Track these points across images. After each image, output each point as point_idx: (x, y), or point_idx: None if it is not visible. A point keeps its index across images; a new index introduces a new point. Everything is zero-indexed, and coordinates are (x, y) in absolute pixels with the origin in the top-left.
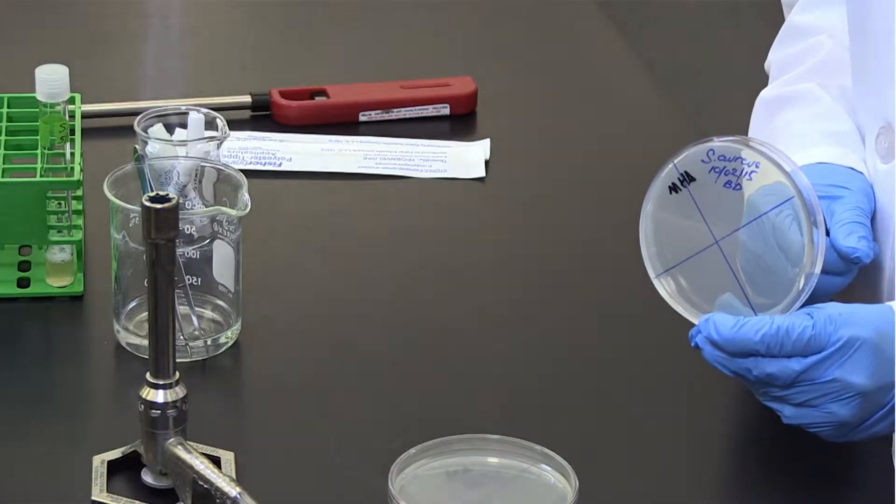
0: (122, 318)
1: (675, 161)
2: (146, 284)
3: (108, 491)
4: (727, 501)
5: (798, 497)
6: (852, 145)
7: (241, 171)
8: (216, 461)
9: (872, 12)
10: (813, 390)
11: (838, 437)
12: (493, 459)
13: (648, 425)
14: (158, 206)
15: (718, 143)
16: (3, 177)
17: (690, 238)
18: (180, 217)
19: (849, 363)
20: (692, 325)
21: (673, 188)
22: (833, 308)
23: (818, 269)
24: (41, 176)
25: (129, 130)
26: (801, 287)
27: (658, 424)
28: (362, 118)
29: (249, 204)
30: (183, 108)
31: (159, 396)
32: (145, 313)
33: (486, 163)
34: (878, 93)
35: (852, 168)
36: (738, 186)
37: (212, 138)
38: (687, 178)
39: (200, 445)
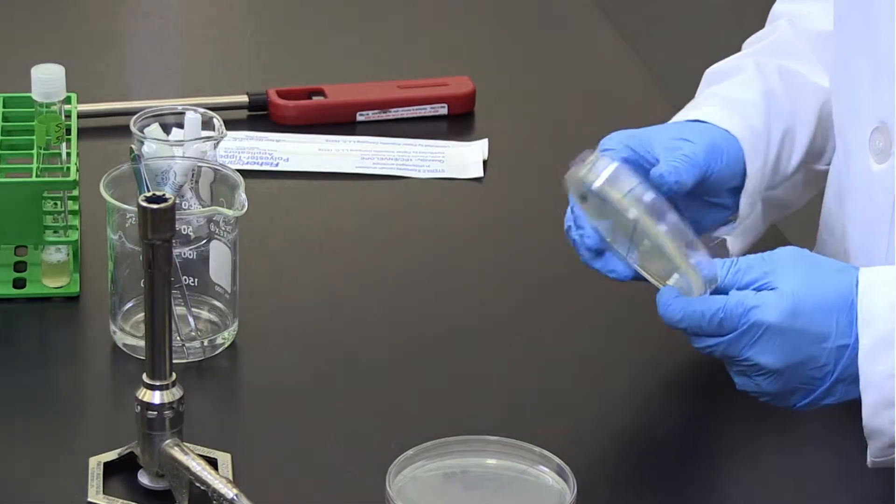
0: (119, 319)
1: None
2: (143, 285)
3: (104, 493)
4: (726, 502)
5: (800, 485)
6: (743, 112)
7: (238, 171)
8: (213, 462)
9: (870, 12)
10: (738, 365)
11: (787, 405)
12: (491, 461)
13: (647, 427)
14: (155, 206)
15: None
16: None
17: (624, 226)
18: (177, 217)
19: (758, 345)
20: None
21: (582, 199)
22: (758, 283)
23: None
24: (37, 176)
25: (125, 130)
26: (679, 274)
27: (656, 426)
28: (360, 118)
29: (246, 204)
30: (179, 107)
31: (156, 397)
32: (142, 314)
33: (484, 163)
34: (873, 91)
35: (727, 130)
36: None
37: (208, 138)
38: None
39: (197, 447)
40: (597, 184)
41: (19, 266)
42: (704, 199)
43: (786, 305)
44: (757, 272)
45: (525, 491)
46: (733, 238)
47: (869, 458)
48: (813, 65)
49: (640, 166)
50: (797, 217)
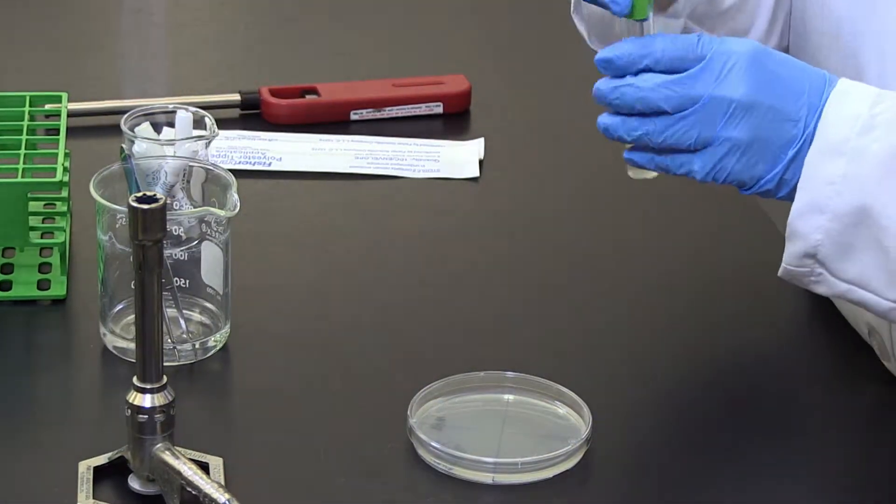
0: (109, 321)
1: None
2: (133, 287)
3: (94, 497)
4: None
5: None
6: None
7: (230, 170)
8: (204, 467)
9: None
10: (697, 119)
11: (756, 178)
12: (509, 396)
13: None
14: (146, 206)
15: None
16: None
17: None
18: (168, 218)
19: (727, 78)
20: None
21: None
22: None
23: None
24: (22, 176)
25: (115, 129)
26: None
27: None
28: (354, 117)
29: (238, 204)
30: (170, 106)
31: (146, 401)
32: (132, 316)
33: (480, 162)
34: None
35: None
36: None
37: (200, 137)
38: None
39: (188, 451)
40: None
41: (5, 268)
42: None
43: (761, 47)
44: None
45: (542, 425)
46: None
47: (782, 265)
48: None
49: None
50: None
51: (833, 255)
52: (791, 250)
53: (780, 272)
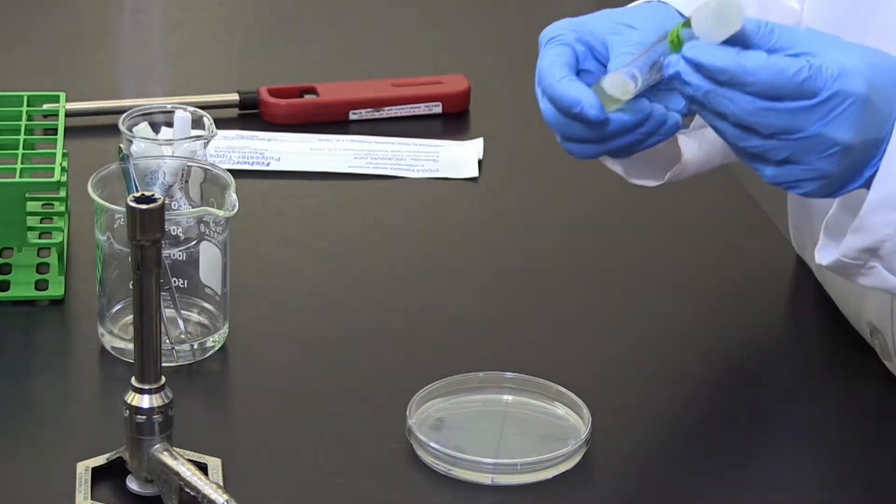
0: (107, 322)
1: None
2: (131, 287)
3: (92, 498)
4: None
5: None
6: None
7: (229, 170)
8: (203, 468)
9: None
10: (793, 146)
11: (824, 194)
12: (508, 397)
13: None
14: (144, 206)
15: None
16: None
17: None
18: (166, 218)
19: (839, 118)
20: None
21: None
22: (831, 53)
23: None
24: (20, 176)
25: (113, 129)
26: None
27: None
28: (353, 117)
29: (237, 204)
30: (169, 106)
31: (145, 401)
32: (130, 316)
33: (479, 162)
34: None
35: (679, 11)
36: None
37: (198, 137)
38: None
39: (187, 451)
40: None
41: (3, 268)
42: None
43: (868, 75)
44: (803, 45)
45: (542, 425)
46: (688, 139)
47: (835, 257)
48: None
49: (590, 53)
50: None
51: (895, 252)
52: (852, 243)
53: (827, 262)
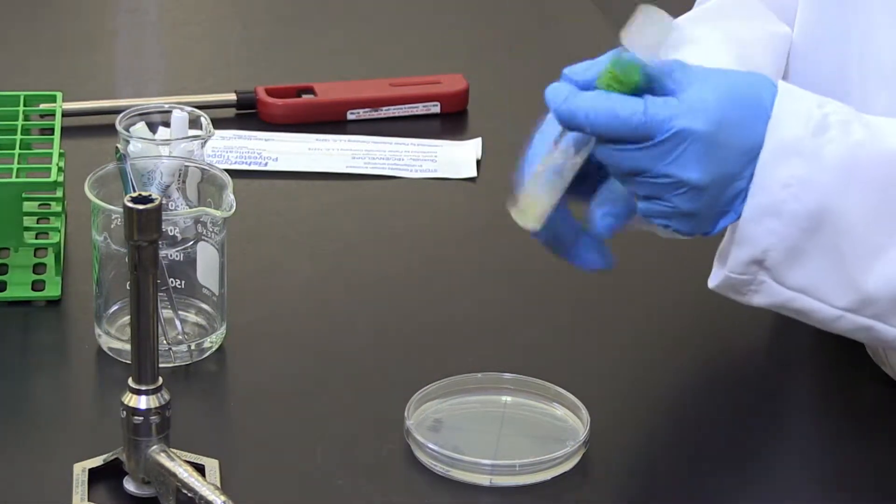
0: (104, 322)
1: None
2: (128, 287)
3: (89, 500)
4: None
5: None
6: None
7: (226, 170)
8: (200, 469)
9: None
10: (649, 184)
11: (700, 232)
12: (507, 398)
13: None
14: (141, 206)
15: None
16: None
17: None
18: (163, 218)
19: (681, 158)
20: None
21: None
22: (691, 90)
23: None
24: (17, 176)
25: (110, 129)
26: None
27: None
28: (350, 117)
29: (234, 205)
30: (166, 106)
31: (142, 402)
32: (127, 317)
33: (478, 162)
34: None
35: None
36: None
37: (196, 137)
38: None
39: (184, 453)
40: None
41: (0, 269)
42: None
43: (717, 113)
44: (678, 82)
45: (540, 427)
46: None
47: (723, 273)
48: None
49: None
50: None
51: (782, 261)
52: (738, 257)
53: (714, 283)
